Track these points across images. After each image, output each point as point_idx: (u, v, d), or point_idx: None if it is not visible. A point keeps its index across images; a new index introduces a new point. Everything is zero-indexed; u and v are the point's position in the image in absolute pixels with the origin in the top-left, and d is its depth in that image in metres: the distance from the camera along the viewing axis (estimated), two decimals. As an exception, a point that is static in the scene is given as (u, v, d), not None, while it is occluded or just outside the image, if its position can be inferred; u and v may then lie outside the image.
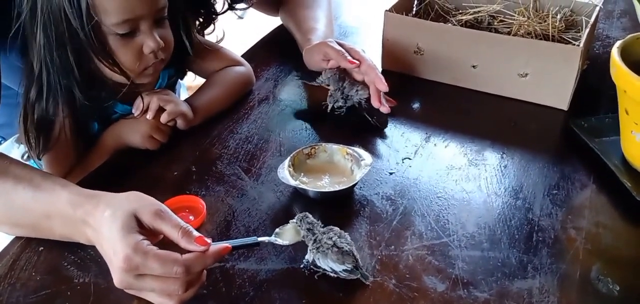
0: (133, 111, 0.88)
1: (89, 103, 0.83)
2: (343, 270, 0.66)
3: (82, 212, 0.65)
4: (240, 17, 1.19)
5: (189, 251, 0.61)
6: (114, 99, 0.87)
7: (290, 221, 0.70)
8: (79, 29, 0.76)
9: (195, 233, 0.62)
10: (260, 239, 0.69)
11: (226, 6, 1.07)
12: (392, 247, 0.72)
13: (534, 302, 0.65)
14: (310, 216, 0.69)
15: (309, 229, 0.68)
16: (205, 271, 0.65)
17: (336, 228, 0.69)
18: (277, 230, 0.70)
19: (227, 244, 0.64)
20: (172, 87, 0.97)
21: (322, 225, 0.69)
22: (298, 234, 0.69)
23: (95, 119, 0.90)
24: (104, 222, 0.62)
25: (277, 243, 0.69)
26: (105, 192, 0.67)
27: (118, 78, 0.83)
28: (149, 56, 0.82)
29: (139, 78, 0.85)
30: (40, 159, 0.87)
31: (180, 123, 0.89)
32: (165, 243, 0.63)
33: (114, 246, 0.61)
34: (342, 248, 0.66)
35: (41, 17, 0.76)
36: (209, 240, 0.62)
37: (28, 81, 0.82)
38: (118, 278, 0.61)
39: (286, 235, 0.70)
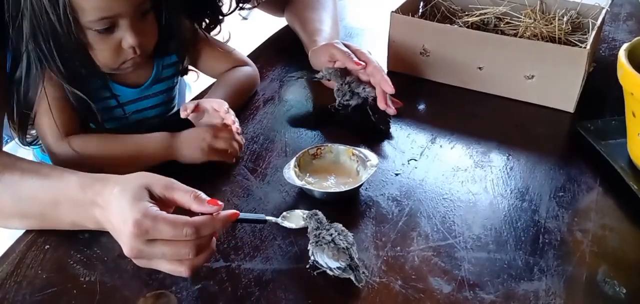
0: (182, 113, 0.83)
1: (74, 85, 0.81)
2: (337, 267, 0.66)
3: (91, 193, 0.66)
4: (245, 18, 1.19)
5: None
6: (95, 79, 0.84)
7: (299, 210, 0.72)
8: (56, 23, 0.75)
9: (206, 197, 0.64)
10: (268, 217, 0.71)
11: (234, 5, 1.06)
12: (398, 248, 0.72)
13: (541, 304, 0.65)
14: (320, 213, 0.70)
15: (316, 227, 0.68)
16: (214, 240, 0.65)
17: (340, 226, 0.69)
18: (284, 213, 0.73)
19: (235, 211, 0.65)
20: (170, 77, 0.96)
21: (329, 222, 0.70)
22: (306, 222, 0.70)
23: (90, 110, 0.85)
24: (113, 198, 0.63)
25: (282, 224, 0.72)
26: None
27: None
28: (127, 51, 0.81)
29: (117, 71, 0.85)
30: (26, 144, 0.86)
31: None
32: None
33: (123, 215, 0.61)
34: (339, 245, 0.66)
35: (24, 5, 0.75)
36: (220, 202, 0.64)
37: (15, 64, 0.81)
38: (128, 245, 0.61)
39: (293, 219, 0.72)
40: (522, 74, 0.99)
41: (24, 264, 0.69)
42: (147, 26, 0.83)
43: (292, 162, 0.81)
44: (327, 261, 0.66)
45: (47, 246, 0.72)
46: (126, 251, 0.62)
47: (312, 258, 0.67)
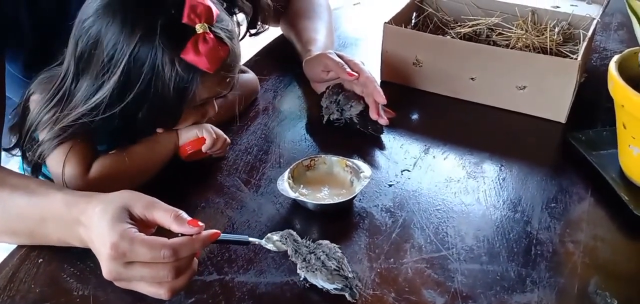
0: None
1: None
2: (334, 289, 0.66)
3: (76, 211, 0.65)
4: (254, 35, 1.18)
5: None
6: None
7: (280, 233, 0.70)
8: (174, 101, 0.76)
9: (187, 217, 0.63)
10: (250, 239, 0.69)
11: (244, 31, 1.06)
12: (392, 260, 0.73)
13: (533, 316, 0.66)
14: (294, 233, 0.69)
15: (294, 249, 0.68)
16: (196, 261, 0.64)
17: (325, 243, 0.69)
18: (269, 234, 0.70)
19: (216, 231, 0.64)
20: None
21: (311, 239, 0.69)
22: (281, 245, 0.69)
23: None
24: (95, 217, 0.62)
25: (266, 247, 0.70)
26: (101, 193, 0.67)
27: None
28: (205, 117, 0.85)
29: None
30: (28, 164, 0.84)
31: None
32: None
33: (102, 237, 0.61)
34: (330, 267, 0.66)
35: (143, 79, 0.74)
36: (201, 224, 0.63)
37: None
38: (106, 267, 0.61)
39: (275, 243, 0.70)
40: (514, 84, 1.00)
41: (17, 278, 0.69)
42: None
43: (286, 174, 0.81)
44: (322, 284, 0.66)
45: (41, 260, 0.71)
46: (105, 273, 0.61)
47: (303, 279, 0.67)
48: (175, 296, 0.64)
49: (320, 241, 0.69)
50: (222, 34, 0.76)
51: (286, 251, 0.69)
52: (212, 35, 0.74)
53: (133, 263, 0.60)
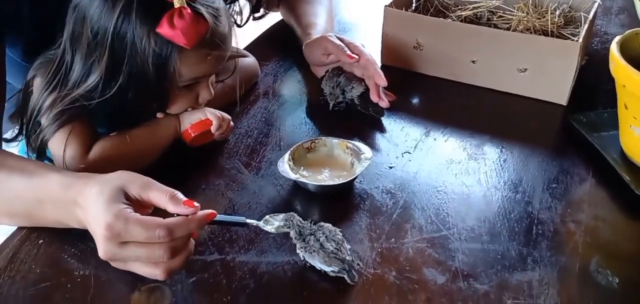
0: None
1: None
2: (331, 271, 0.66)
3: (73, 192, 0.65)
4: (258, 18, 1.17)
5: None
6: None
7: (281, 215, 0.70)
8: (154, 78, 0.75)
9: (183, 197, 0.62)
10: (248, 220, 0.68)
11: (246, 17, 1.06)
12: (392, 240, 0.73)
13: (534, 294, 0.66)
14: (296, 216, 0.69)
15: (299, 231, 0.68)
16: (192, 242, 0.64)
17: (326, 226, 0.68)
18: (267, 217, 0.70)
19: (212, 211, 0.64)
20: None
21: (313, 222, 0.69)
22: (284, 229, 0.69)
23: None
24: (91, 198, 0.62)
25: (264, 229, 0.69)
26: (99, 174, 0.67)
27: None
28: (199, 103, 0.85)
29: None
30: (31, 150, 0.84)
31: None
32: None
33: (98, 217, 0.60)
34: (328, 250, 0.66)
35: (112, 48, 0.74)
36: (196, 204, 0.62)
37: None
38: (102, 248, 0.60)
39: (275, 224, 0.69)
40: (515, 67, 1.00)
41: (17, 259, 0.69)
42: (213, 79, 0.86)
43: (286, 155, 0.81)
44: (320, 266, 0.66)
45: (41, 241, 0.71)
46: (100, 253, 0.61)
47: (303, 260, 0.67)
48: (172, 277, 0.64)
49: (322, 224, 0.69)
50: (203, 10, 0.74)
51: (286, 232, 0.69)
52: (189, 11, 0.72)
53: (128, 243, 0.60)
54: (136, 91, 0.76)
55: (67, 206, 0.66)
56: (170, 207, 0.62)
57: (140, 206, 0.63)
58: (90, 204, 0.62)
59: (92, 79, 0.75)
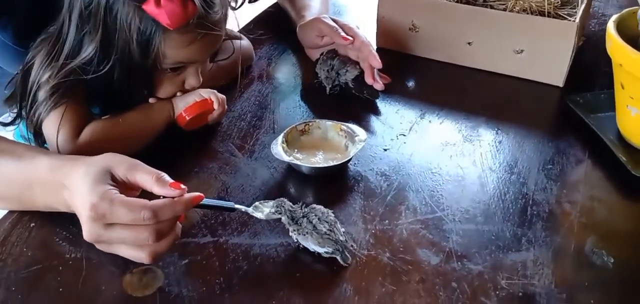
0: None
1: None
2: (325, 252, 0.65)
3: (60, 175, 0.64)
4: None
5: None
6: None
7: (271, 202, 0.68)
8: (139, 59, 0.75)
9: (169, 179, 0.62)
10: (237, 205, 0.67)
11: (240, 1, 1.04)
12: (386, 221, 0.72)
13: (529, 274, 0.65)
14: (287, 201, 0.67)
15: (291, 216, 0.67)
16: (179, 225, 0.63)
17: (318, 208, 0.68)
18: (257, 203, 0.69)
19: (199, 194, 0.63)
20: None
21: (304, 205, 0.68)
22: (275, 215, 0.67)
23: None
24: (77, 179, 0.61)
25: (254, 215, 0.68)
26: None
27: None
28: (186, 88, 0.84)
29: None
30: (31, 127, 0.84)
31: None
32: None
33: (83, 198, 0.59)
34: (321, 231, 0.65)
35: (101, 27, 0.74)
36: (183, 186, 0.61)
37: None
38: (86, 229, 0.59)
39: (265, 211, 0.68)
40: (512, 48, 0.99)
41: (8, 242, 0.69)
42: (205, 66, 0.85)
43: (280, 137, 0.80)
44: (313, 247, 0.66)
45: (32, 224, 0.71)
46: (85, 235, 0.60)
47: (296, 242, 0.67)
48: (157, 261, 0.62)
49: (314, 206, 0.68)
50: None
51: (277, 219, 0.67)
52: None
53: (113, 225, 0.59)
54: (123, 70, 0.76)
55: (55, 189, 0.65)
56: (157, 189, 0.61)
57: (127, 188, 0.62)
58: (76, 185, 0.61)
59: (86, 52, 0.74)
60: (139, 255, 0.60)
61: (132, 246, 0.60)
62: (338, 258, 0.65)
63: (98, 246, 0.62)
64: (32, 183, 0.67)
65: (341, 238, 0.66)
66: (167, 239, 0.61)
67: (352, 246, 0.67)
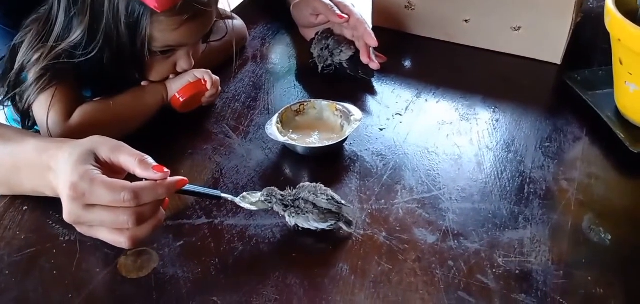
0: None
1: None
2: (328, 226, 0.65)
3: (46, 157, 0.63)
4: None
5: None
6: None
7: (260, 193, 0.67)
8: (127, 43, 0.74)
9: (153, 162, 0.60)
10: (223, 194, 0.66)
11: None
12: (383, 201, 0.72)
13: (525, 252, 0.65)
14: (276, 189, 0.66)
15: (283, 205, 0.66)
16: (162, 211, 0.61)
17: (307, 185, 0.67)
18: (244, 193, 0.67)
19: (183, 178, 0.61)
20: None
21: (292, 188, 0.67)
22: (265, 204, 0.66)
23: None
24: (62, 160, 0.60)
25: (240, 205, 0.67)
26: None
27: None
28: (177, 71, 0.83)
29: None
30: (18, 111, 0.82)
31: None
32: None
33: (64, 178, 0.58)
34: (321, 206, 0.65)
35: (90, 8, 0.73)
36: (166, 170, 0.60)
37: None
38: (66, 209, 0.58)
39: (253, 201, 0.66)
40: (509, 25, 0.98)
41: (1, 226, 0.68)
42: (198, 48, 0.84)
43: (274, 118, 0.80)
44: (315, 225, 0.65)
45: (25, 207, 0.70)
46: (65, 215, 0.59)
47: (294, 226, 0.66)
48: (137, 246, 0.61)
49: (301, 184, 0.67)
50: None
51: (266, 209, 0.66)
52: None
53: (93, 207, 0.58)
54: (112, 53, 0.74)
55: (41, 172, 0.64)
56: (139, 172, 0.60)
57: (111, 170, 0.61)
58: (60, 166, 0.60)
59: (75, 35, 0.73)
60: (119, 239, 0.59)
61: (112, 229, 0.58)
62: (342, 226, 0.65)
63: (78, 229, 0.61)
64: (20, 166, 0.67)
65: (342, 203, 0.66)
66: (149, 224, 0.59)
67: (351, 215, 0.67)
